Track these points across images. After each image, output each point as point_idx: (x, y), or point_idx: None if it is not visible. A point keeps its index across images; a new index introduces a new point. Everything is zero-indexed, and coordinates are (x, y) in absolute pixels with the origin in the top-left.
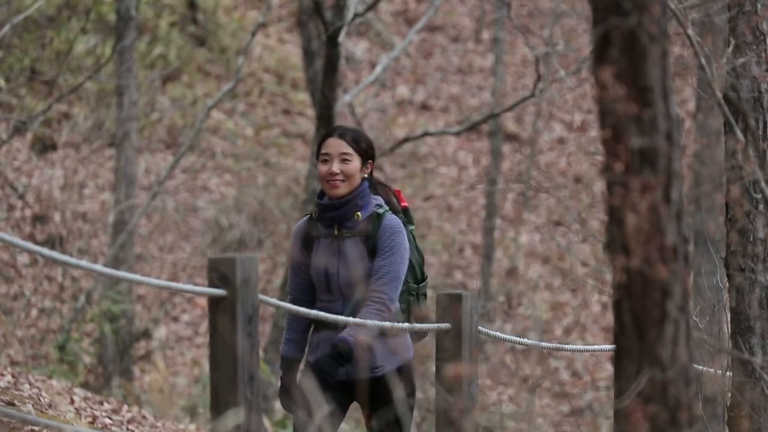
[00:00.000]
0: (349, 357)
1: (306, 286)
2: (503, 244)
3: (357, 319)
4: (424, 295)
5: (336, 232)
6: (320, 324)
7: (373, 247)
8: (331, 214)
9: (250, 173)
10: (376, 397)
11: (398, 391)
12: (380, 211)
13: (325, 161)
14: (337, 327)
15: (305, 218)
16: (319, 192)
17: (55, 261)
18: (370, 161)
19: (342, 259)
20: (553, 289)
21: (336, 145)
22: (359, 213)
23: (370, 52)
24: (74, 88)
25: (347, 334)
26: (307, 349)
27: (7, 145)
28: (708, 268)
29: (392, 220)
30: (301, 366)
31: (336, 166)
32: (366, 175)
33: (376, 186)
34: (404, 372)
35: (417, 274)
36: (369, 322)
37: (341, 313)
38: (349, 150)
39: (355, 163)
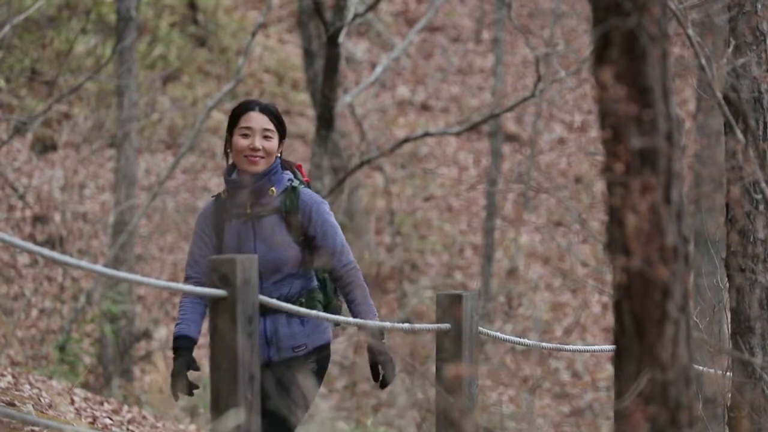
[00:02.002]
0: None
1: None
2: (503, 245)
3: (357, 320)
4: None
5: (249, 211)
6: None
7: (295, 223)
8: (244, 191)
9: None
10: (290, 374)
11: (309, 366)
12: (295, 184)
13: (245, 135)
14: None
15: (211, 200)
16: (228, 169)
17: (56, 261)
18: (283, 140)
19: (259, 238)
20: (554, 290)
21: (259, 120)
22: (273, 188)
23: (370, 53)
24: (74, 89)
25: (371, 334)
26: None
27: (7, 146)
28: (708, 269)
29: (310, 193)
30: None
31: (258, 142)
32: (279, 154)
33: (282, 162)
34: (322, 352)
35: None
36: (371, 323)
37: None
38: (272, 126)
39: (276, 140)
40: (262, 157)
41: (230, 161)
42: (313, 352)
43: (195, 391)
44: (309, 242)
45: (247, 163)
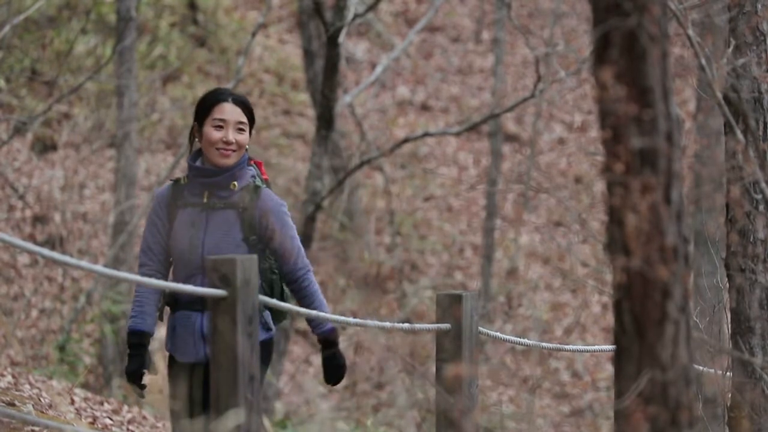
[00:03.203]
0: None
1: (164, 258)
2: (503, 245)
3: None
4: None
5: (205, 200)
6: (176, 304)
7: (250, 222)
8: (207, 180)
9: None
10: None
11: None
12: (258, 183)
13: (219, 127)
14: (193, 305)
15: (169, 184)
16: (193, 155)
17: (56, 261)
18: (251, 132)
19: (210, 231)
20: (554, 290)
21: (233, 112)
22: (236, 183)
23: (370, 53)
24: (74, 89)
25: (329, 326)
26: (166, 334)
27: (7, 146)
28: (708, 269)
29: (271, 195)
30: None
31: (232, 135)
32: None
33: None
34: (266, 347)
35: None
36: (325, 315)
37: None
38: (245, 119)
39: (247, 133)
40: (234, 150)
41: (194, 148)
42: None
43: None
44: (260, 243)
45: (218, 156)
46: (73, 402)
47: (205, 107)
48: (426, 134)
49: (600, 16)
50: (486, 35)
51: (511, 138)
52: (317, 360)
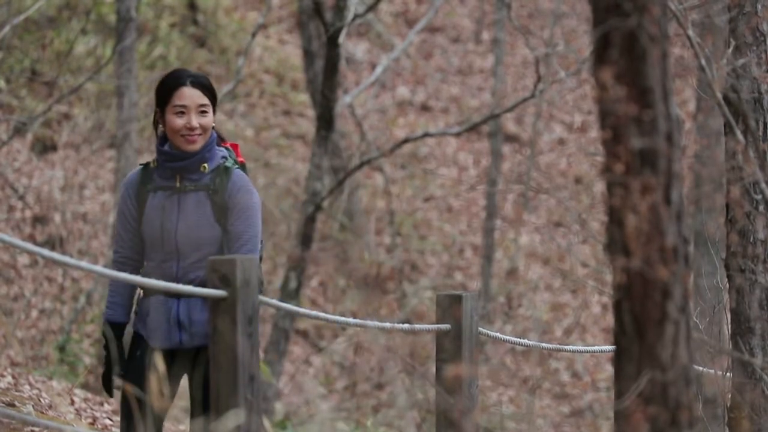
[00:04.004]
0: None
1: (136, 243)
2: (503, 245)
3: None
4: (261, 258)
5: (177, 185)
6: (150, 289)
7: (220, 203)
8: (176, 164)
9: (251, 174)
10: (206, 365)
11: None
12: (228, 164)
13: (181, 113)
14: (168, 292)
15: (138, 168)
16: (161, 139)
17: (56, 262)
18: (215, 111)
19: (182, 214)
20: (554, 290)
21: (193, 96)
22: (206, 165)
23: (370, 53)
24: (74, 89)
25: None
26: (135, 316)
27: (7, 146)
28: (708, 269)
29: (242, 176)
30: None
31: (195, 120)
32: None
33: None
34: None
35: None
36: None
37: (176, 273)
38: (206, 101)
39: (211, 114)
40: (200, 134)
41: (160, 131)
42: None
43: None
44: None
45: (184, 142)
46: (73, 402)
47: (164, 93)
48: (426, 134)
49: (600, 16)
50: (486, 35)
51: (511, 138)
52: (317, 360)
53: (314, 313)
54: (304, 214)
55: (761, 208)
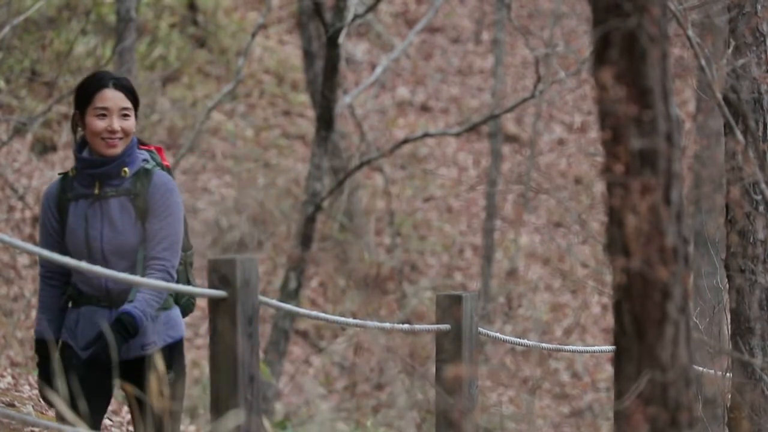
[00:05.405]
0: (136, 332)
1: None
2: (503, 246)
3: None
4: (191, 264)
5: (97, 191)
6: (79, 299)
7: (143, 207)
8: (96, 171)
9: (250, 174)
10: (145, 375)
11: (169, 367)
12: (148, 166)
13: (102, 116)
14: (99, 302)
15: (57, 179)
16: (78, 145)
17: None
18: (137, 115)
19: (106, 221)
20: (553, 291)
21: (116, 98)
22: (126, 169)
23: (370, 54)
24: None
25: (132, 306)
26: (63, 327)
27: (7, 147)
28: (708, 270)
29: (163, 176)
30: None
31: (116, 123)
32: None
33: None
34: (176, 349)
35: (184, 241)
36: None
37: (105, 284)
38: (129, 104)
39: (133, 119)
40: (121, 138)
41: (79, 137)
42: (163, 349)
43: (195, 392)
44: None
45: (104, 146)
46: None
47: (85, 95)
48: (426, 135)
49: (600, 16)
50: (486, 36)
51: (511, 139)
52: (317, 360)
53: (314, 313)
54: (304, 214)
55: (761, 208)
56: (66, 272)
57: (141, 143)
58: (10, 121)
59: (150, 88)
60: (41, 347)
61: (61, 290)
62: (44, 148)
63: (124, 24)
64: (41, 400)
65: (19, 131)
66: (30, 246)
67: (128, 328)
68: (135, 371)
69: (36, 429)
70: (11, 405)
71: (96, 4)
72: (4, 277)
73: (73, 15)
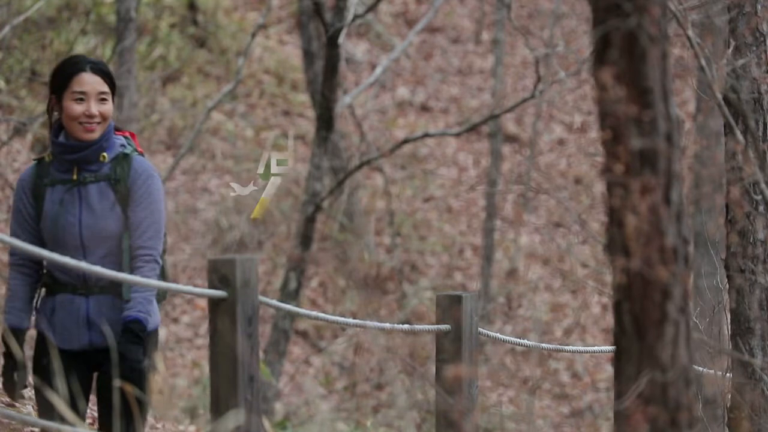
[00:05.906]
0: (145, 334)
1: (34, 243)
2: (503, 246)
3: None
4: (164, 251)
5: (75, 177)
6: (55, 287)
7: (124, 192)
8: (74, 156)
9: (250, 174)
10: (115, 364)
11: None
12: (127, 151)
13: (80, 100)
14: (76, 289)
15: (33, 164)
16: (55, 130)
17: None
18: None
19: (85, 207)
20: (553, 291)
21: (93, 82)
22: (105, 154)
23: (370, 54)
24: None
25: (136, 311)
26: (37, 315)
27: (7, 147)
28: (708, 270)
29: (143, 162)
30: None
31: (95, 107)
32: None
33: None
34: (151, 339)
35: None
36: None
37: (81, 272)
38: (106, 89)
39: (111, 103)
40: (99, 123)
41: (54, 120)
42: None
43: (196, 392)
44: None
45: (82, 131)
46: None
47: (62, 79)
48: (426, 135)
49: (600, 16)
50: (486, 36)
51: (510, 139)
52: (317, 361)
53: (314, 313)
54: (304, 214)
55: (761, 208)
56: (38, 260)
57: (116, 129)
58: (10, 121)
59: (150, 88)
60: (12, 335)
61: (33, 278)
62: (44, 148)
63: (124, 24)
64: (6, 391)
65: (19, 131)
66: (30, 247)
67: (139, 335)
68: (107, 360)
69: (36, 429)
70: (11, 405)
71: (96, 4)
72: (4, 277)
73: (73, 15)
